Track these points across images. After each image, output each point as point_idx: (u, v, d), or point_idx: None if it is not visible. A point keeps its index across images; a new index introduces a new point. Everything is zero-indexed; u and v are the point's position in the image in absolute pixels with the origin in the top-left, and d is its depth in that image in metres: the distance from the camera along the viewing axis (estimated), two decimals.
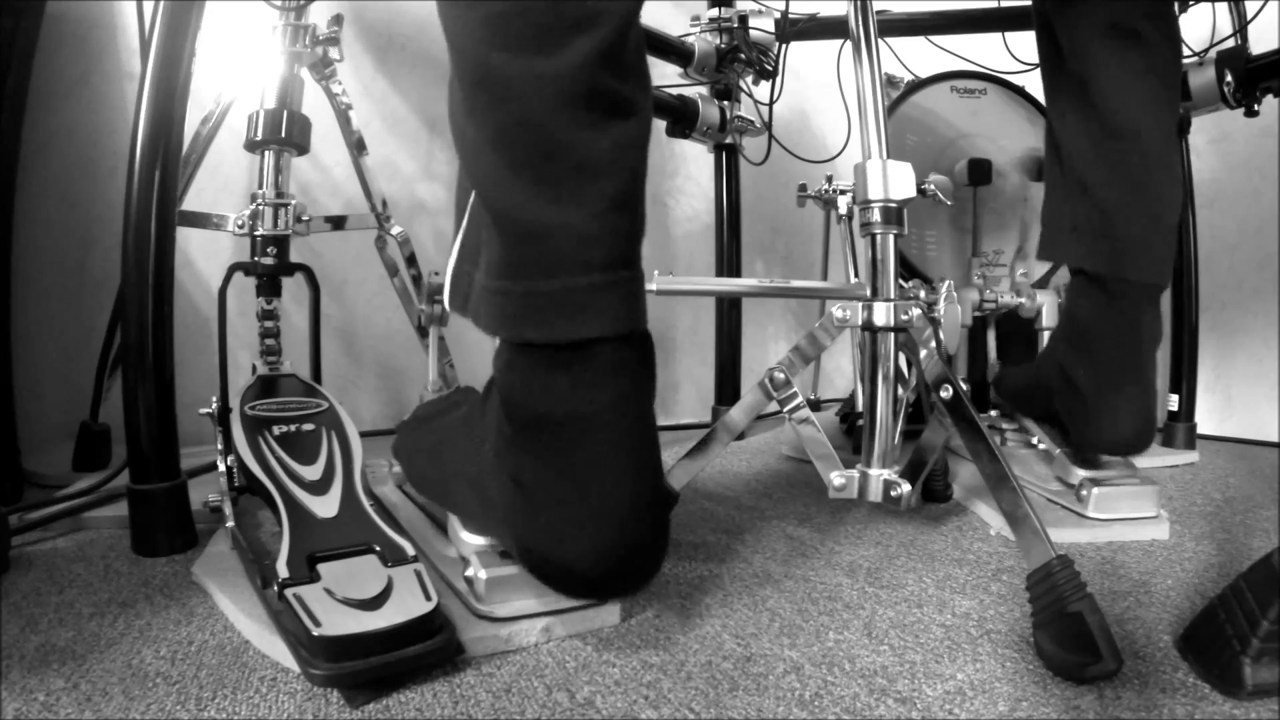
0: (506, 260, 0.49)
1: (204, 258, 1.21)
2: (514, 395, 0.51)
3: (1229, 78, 1.10)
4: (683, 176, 1.68)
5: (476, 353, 1.30)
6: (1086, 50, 0.79)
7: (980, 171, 1.26)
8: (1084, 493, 0.85)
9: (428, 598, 0.54)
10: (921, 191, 1.16)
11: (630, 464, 0.51)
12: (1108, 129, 0.79)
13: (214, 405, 0.78)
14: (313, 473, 0.71)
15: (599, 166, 0.47)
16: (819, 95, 1.68)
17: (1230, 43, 1.16)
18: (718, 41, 1.35)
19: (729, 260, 1.49)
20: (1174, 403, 1.27)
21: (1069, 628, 0.53)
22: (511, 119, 0.46)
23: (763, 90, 1.39)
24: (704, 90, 1.40)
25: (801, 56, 1.56)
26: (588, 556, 0.51)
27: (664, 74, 1.43)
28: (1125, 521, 0.83)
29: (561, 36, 0.45)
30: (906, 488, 0.72)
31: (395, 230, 1.14)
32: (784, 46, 1.38)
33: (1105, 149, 0.80)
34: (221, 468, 0.75)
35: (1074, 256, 0.84)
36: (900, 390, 0.75)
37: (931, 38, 1.48)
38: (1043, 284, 1.28)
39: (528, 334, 0.49)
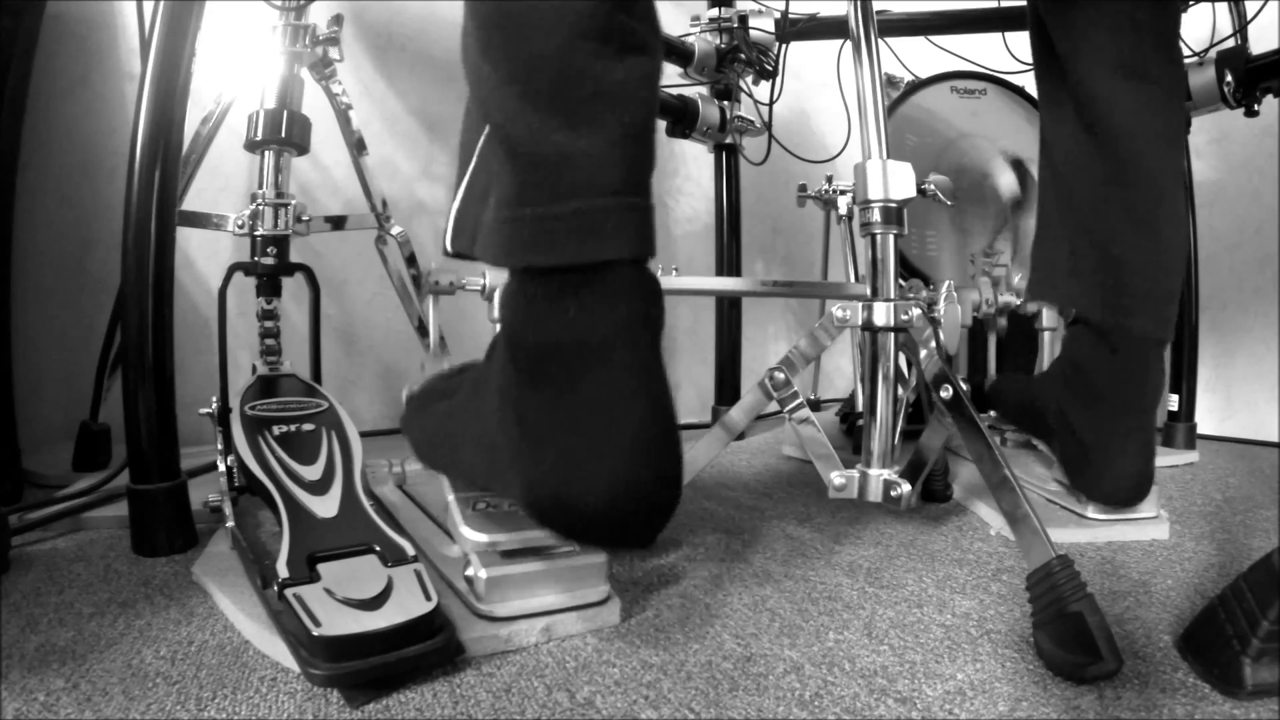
0: (521, 188, 0.48)
1: (204, 258, 1.22)
2: (519, 328, 0.49)
3: (1229, 78, 1.10)
4: (683, 176, 1.68)
5: (476, 352, 1.30)
6: (1092, 86, 0.77)
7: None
8: (1081, 495, 0.85)
9: (428, 598, 0.54)
10: (921, 191, 1.16)
11: (641, 393, 0.49)
12: (1116, 171, 0.76)
13: (214, 405, 0.78)
14: (313, 473, 0.71)
15: (615, 95, 0.47)
16: (819, 95, 1.68)
17: (1230, 43, 1.16)
18: (718, 41, 1.35)
19: (729, 260, 1.49)
20: (1174, 403, 1.27)
21: (1069, 628, 0.53)
22: (528, 53, 0.47)
23: (763, 90, 1.40)
24: (704, 90, 1.40)
25: (801, 56, 1.56)
26: (598, 494, 0.48)
27: (664, 74, 1.43)
28: (1125, 521, 0.83)
29: None
30: (906, 488, 0.72)
31: (395, 230, 1.14)
32: (784, 46, 1.38)
33: (1113, 193, 0.77)
34: (221, 468, 0.75)
35: (1075, 303, 0.81)
36: (900, 390, 0.75)
37: (931, 38, 1.48)
38: None
39: (538, 259, 0.48)
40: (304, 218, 0.97)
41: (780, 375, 0.77)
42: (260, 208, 0.94)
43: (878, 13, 0.77)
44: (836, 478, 0.74)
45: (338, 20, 1.02)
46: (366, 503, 0.68)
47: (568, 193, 0.47)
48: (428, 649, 0.51)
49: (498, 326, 0.74)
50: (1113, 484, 0.80)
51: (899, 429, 0.76)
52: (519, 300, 0.50)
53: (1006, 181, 1.35)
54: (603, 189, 0.47)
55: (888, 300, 0.74)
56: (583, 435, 0.48)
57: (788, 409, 0.77)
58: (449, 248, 0.60)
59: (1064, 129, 0.82)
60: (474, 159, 0.58)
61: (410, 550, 0.60)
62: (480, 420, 0.55)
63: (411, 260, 1.16)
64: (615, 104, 0.47)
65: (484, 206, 0.54)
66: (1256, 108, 1.12)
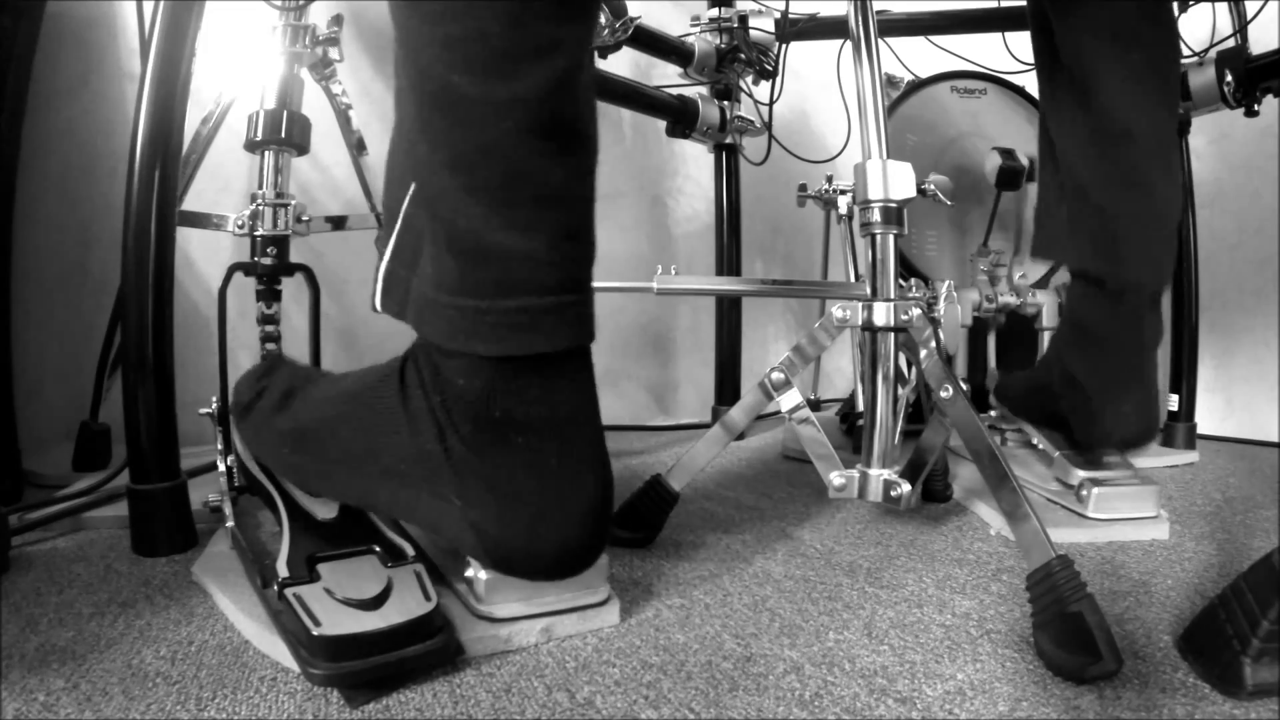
0: (460, 278, 0.51)
1: (204, 258, 1.21)
2: (473, 398, 0.53)
3: (1229, 78, 1.10)
4: (683, 176, 1.68)
5: None
6: (1085, 52, 0.79)
7: (1010, 177, 1.24)
8: (1084, 493, 0.85)
9: (427, 598, 0.54)
10: (921, 191, 1.16)
11: (596, 461, 0.56)
12: (1107, 130, 0.79)
13: (214, 405, 0.78)
14: None
15: (556, 196, 0.50)
16: (819, 95, 1.68)
17: (1230, 43, 1.16)
18: (718, 41, 1.35)
19: (729, 260, 1.49)
20: (1174, 403, 1.27)
21: (1069, 628, 0.53)
22: (471, 143, 0.48)
23: (763, 90, 1.40)
24: (704, 90, 1.40)
25: (801, 56, 1.56)
26: (558, 546, 0.54)
27: (664, 74, 1.43)
28: (1125, 521, 0.83)
29: (522, 63, 0.46)
30: (906, 488, 0.72)
31: None
32: (784, 46, 1.38)
33: (1105, 150, 0.80)
34: (221, 468, 0.75)
35: (1073, 258, 0.85)
36: (900, 390, 0.75)
37: (931, 38, 1.48)
38: (1043, 284, 1.29)
39: (482, 349, 0.51)
40: (304, 218, 0.97)
41: (780, 375, 0.77)
42: (260, 208, 0.94)
43: (878, 13, 0.77)
44: (836, 478, 0.74)
45: (338, 20, 1.02)
46: None
47: (510, 291, 0.50)
48: (427, 649, 0.51)
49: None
50: (1119, 428, 0.83)
51: (899, 429, 0.76)
52: (472, 376, 0.52)
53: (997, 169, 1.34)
54: (544, 289, 0.50)
55: (888, 300, 0.74)
56: (551, 501, 0.53)
57: (788, 409, 0.77)
58: (378, 307, 0.62)
59: (1058, 97, 0.85)
60: (399, 221, 0.58)
61: (410, 550, 0.60)
62: (403, 459, 0.56)
63: None
64: (556, 205, 0.50)
65: (412, 274, 0.57)
66: (1256, 108, 1.12)
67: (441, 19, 0.46)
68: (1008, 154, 1.24)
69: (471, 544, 0.55)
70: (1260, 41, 1.14)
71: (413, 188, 0.56)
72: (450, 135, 0.48)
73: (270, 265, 0.94)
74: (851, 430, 1.23)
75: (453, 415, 0.54)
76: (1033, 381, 0.98)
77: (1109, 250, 0.81)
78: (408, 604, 0.53)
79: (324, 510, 0.67)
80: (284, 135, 0.95)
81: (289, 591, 0.53)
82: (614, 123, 1.59)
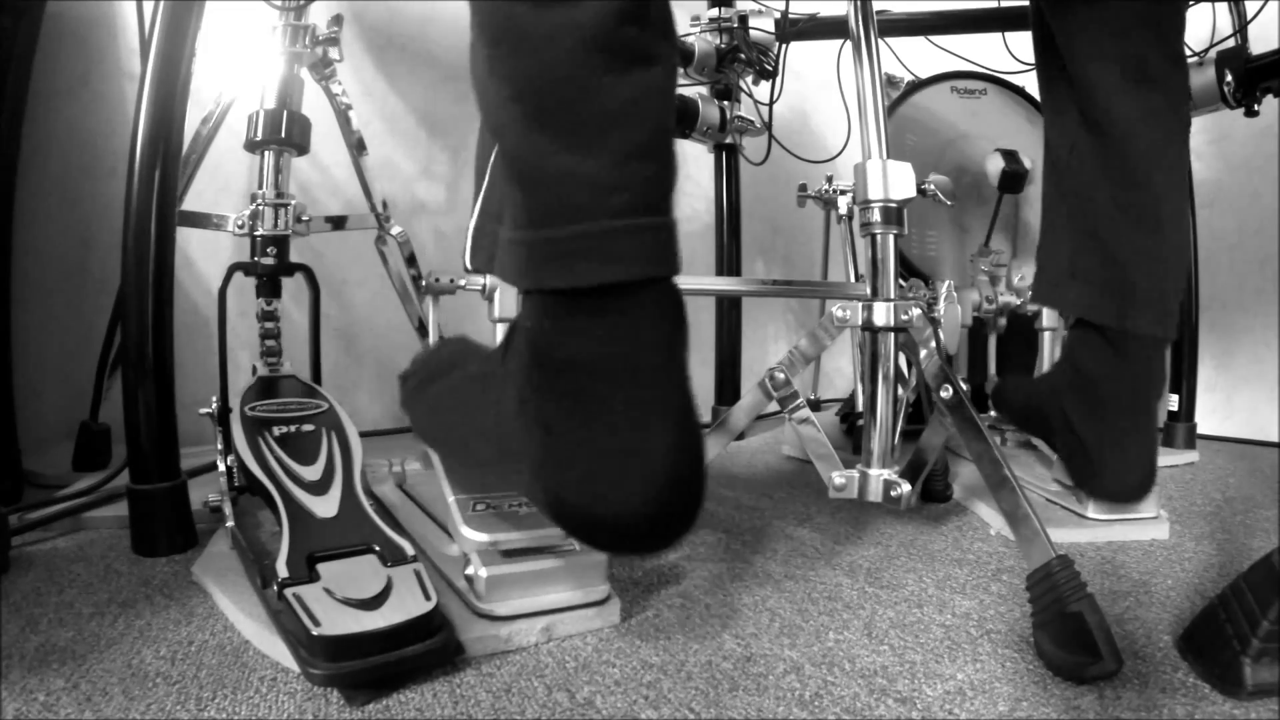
0: (527, 210, 0.48)
1: (204, 258, 1.22)
2: (542, 340, 0.49)
3: (1229, 78, 1.10)
4: (683, 176, 1.65)
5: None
6: (1096, 89, 0.76)
7: (1013, 180, 1.24)
8: (1084, 493, 0.85)
9: (427, 597, 0.54)
10: (921, 191, 1.16)
11: (666, 408, 0.49)
12: (1121, 173, 0.76)
13: (214, 405, 0.78)
14: (312, 473, 0.71)
15: (620, 114, 0.47)
16: (819, 95, 1.68)
17: (1230, 43, 1.15)
18: (718, 41, 1.35)
19: (729, 260, 1.49)
20: (1174, 403, 1.27)
21: (1069, 628, 0.53)
22: (532, 69, 0.46)
23: (763, 90, 1.39)
24: (704, 90, 1.40)
25: (801, 56, 1.56)
26: (625, 507, 0.48)
27: None
28: (1125, 521, 0.83)
29: None
30: (906, 488, 0.72)
31: (395, 230, 1.14)
32: (784, 46, 1.38)
33: (1118, 195, 0.77)
34: (221, 468, 0.75)
35: (1078, 306, 0.81)
36: (900, 390, 0.75)
37: (931, 38, 1.48)
38: None
39: (549, 281, 0.48)
40: (304, 218, 0.97)
41: (780, 375, 0.77)
42: (260, 208, 0.94)
43: (878, 13, 0.77)
44: (836, 478, 0.74)
45: (338, 20, 1.02)
46: (366, 503, 0.68)
47: (573, 215, 0.46)
48: (427, 649, 0.51)
49: (499, 327, 0.74)
50: (1115, 482, 0.80)
51: (899, 429, 0.76)
52: (539, 316, 0.49)
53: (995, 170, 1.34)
54: (611, 211, 0.46)
55: (888, 300, 0.74)
56: (610, 447, 0.48)
57: (788, 409, 0.77)
58: (468, 264, 0.61)
59: (1067, 130, 0.82)
60: (487, 178, 0.58)
61: (410, 550, 0.60)
62: (490, 413, 0.55)
63: (411, 260, 1.16)
64: (620, 123, 0.47)
65: (499, 224, 0.54)
66: (1256, 108, 1.12)
67: None
68: (1010, 156, 1.24)
69: (541, 503, 0.51)
70: (1260, 41, 1.14)
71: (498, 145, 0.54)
72: (512, 66, 0.47)
73: (270, 265, 0.94)
74: (851, 430, 1.23)
75: (524, 361, 0.51)
76: (1031, 401, 0.95)
77: (1117, 299, 0.77)
78: (407, 603, 0.53)
79: (324, 509, 0.67)
80: (284, 135, 0.95)
81: (289, 591, 0.53)
82: None
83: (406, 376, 0.70)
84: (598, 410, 0.48)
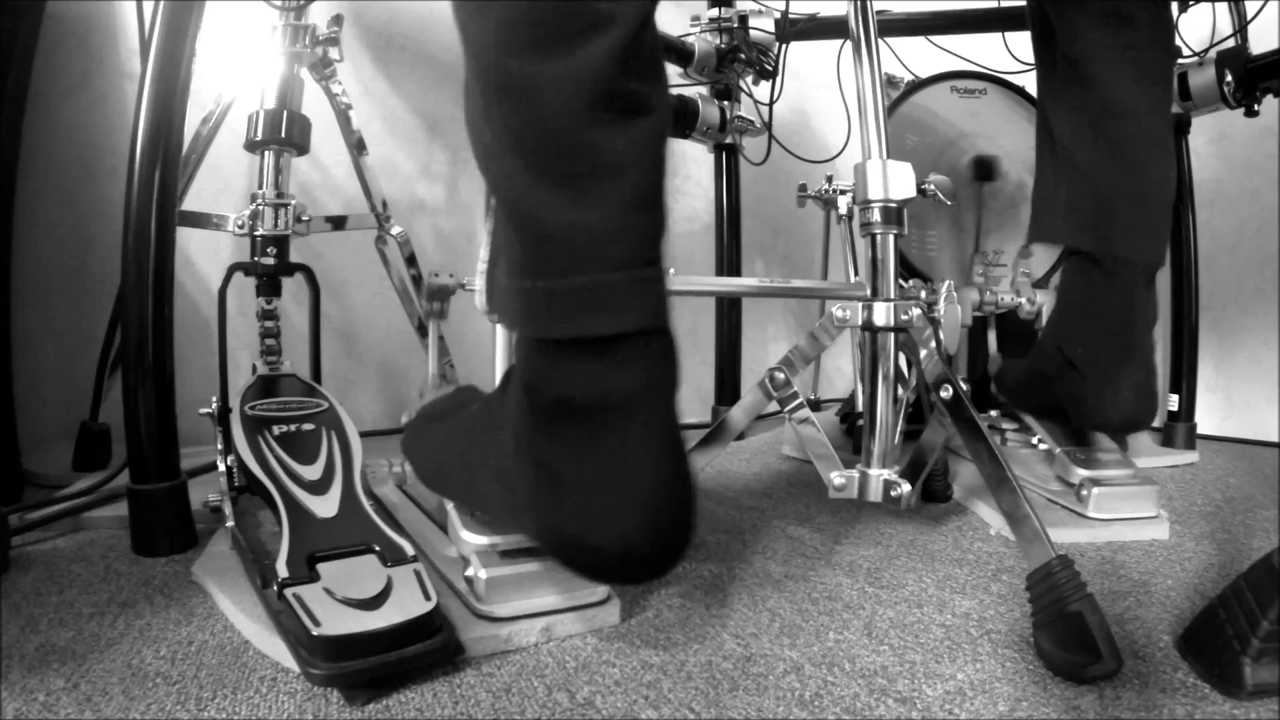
0: (525, 260, 0.49)
1: (204, 258, 1.21)
2: (538, 381, 0.51)
3: (1229, 78, 1.10)
4: (683, 176, 1.68)
5: (476, 353, 1.30)
6: (1080, 33, 0.80)
7: (985, 168, 1.26)
8: (1084, 493, 0.85)
9: (427, 597, 0.54)
10: (921, 191, 1.16)
11: (658, 448, 0.51)
12: (1102, 109, 0.80)
13: (214, 405, 0.78)
14: (313, 473, 0.71)
15: (617, 165, 0.47)
16: (819, 95, 1.68)
17: (1230, 43, 1.16)
18: (718, 41, 1.35)
19: (729, 260, 1.49)
20: (1174, 403, 1.27)
21: (1069, 628, 0.53)
22: (529, 121, 0.47)
23: (763, 90, 1.39)
24: (704, 90, 1.40)
25: (801, 56, 1.56)
26: (618, 539, 0.50)
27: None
28: (1125, 521, 0.83)
29: (577, 38, 0.45)
30: (906, 488, 0.72)
31: (395, 230, 1.14)
32: (784, 46, 1.38)
33: (1100, 129, 0.80)
34: (221, 468, 0.75)
35: (1067, 236, 0.85)
36: (900, 390, 0.75)
37: (931, 38, 1.48)
38: (1043, 284, 1.28)
39: (549, 331, 0.49)
40: (304, 218, 0.97)
41: (780, 375, 0.77)
42: (260, 208, 0.94)
43: (878, 13, 0.77)
44: (836, 478, 0.74)
45: (338, 20, 1.02)
46: (366, 503, 0.68)
47: (575, 268, 0.47)
48: (427, 649, 0.51)
49: (500, 328, 0.74)
50: (1117, 409, 0.82)
51: (899, 429, 0.76)
52: (536, 360, 0.51)
53: (1008, 181, 1.35)
54: (610, 263, 0.47)
55: (888, 300, 0.74)
56: (603, 487, 0.50)
57: (788, 409, 0.77)
58: (483, 309, 0.62)
59: (1056, 84, 0.85)
60: (491, 217, 0.59)
61: (410, 550, 0.60)
62: (493, 455, 0.56)
63: (411, 260, 1.16)
64: (618, 175, 0.47)
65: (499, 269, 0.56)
66: (1256, 108, 1.12)
67: (492, 3, 0.46)
68: (979, 158, 1.29)
69: (537, 537, 0.53)
70: (1260, 41, 1.14)
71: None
72: (509, 117, 0.47)
73: (270, 265, 0.94)
74: (851, 430, 1.23)
75: (521, 401, 0.52)
76: (1029, 368, 0.98)
77: (1103, 225, 0.81)
78: (407, 603, 0.53)
79: (324, 509, 0.67)
80: (284, 135, 0.95)
81: (289, 591, 0.53)
82: None
83: (409, 424, 0.72)
84: (592, 449, 0.50)
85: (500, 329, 0.75)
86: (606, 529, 0.50)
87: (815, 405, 1.54)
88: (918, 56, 1.50)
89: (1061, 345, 0.86)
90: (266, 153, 0.96)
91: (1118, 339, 0.81)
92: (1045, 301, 1.20)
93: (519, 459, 0.52)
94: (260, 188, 0.96)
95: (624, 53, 0.46)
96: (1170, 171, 0.82)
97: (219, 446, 0.77)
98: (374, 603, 0.53)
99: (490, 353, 0.76)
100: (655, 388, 0.51)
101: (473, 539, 0.61)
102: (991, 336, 1.26)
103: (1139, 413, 0.82)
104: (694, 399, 1.61)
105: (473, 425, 0.62)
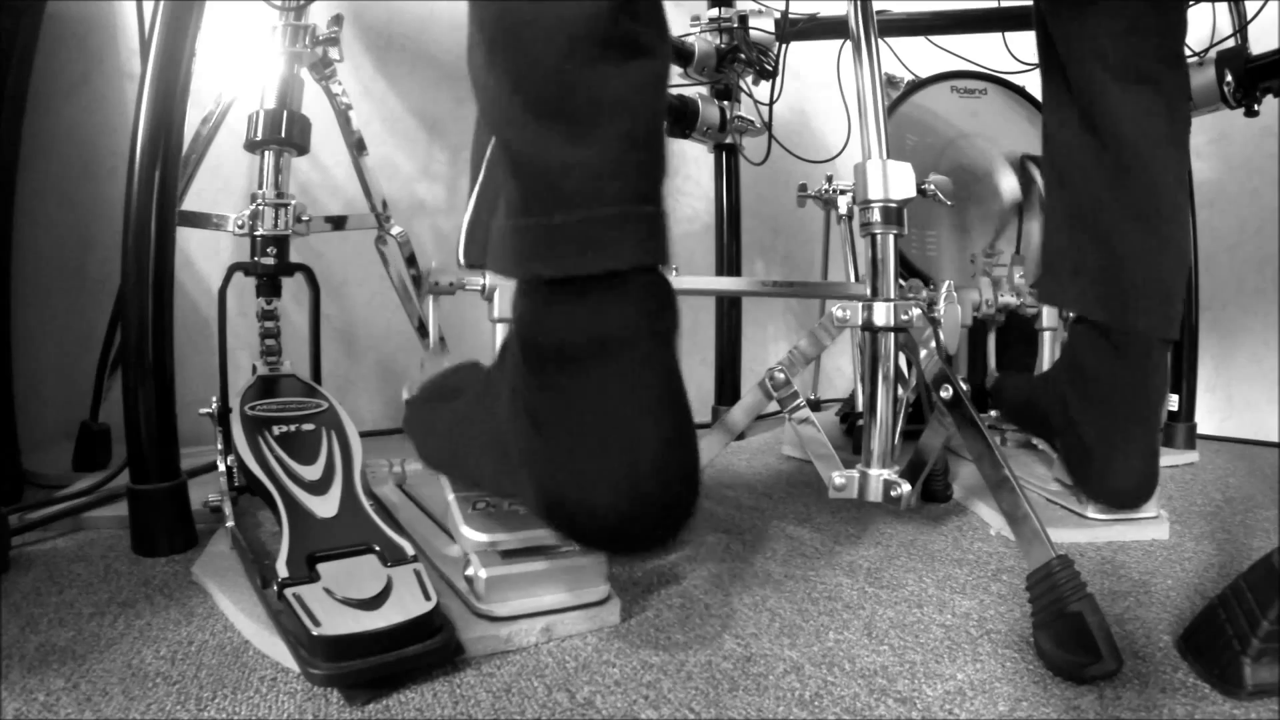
0: (525, 199, 0.48)
1: (204, 258, 1.22)
2: (529, 330, 0.49)
3: (1229, 78, 1.10)
4: (683, 176, 1.68)
5: (476, 353, 1.30)
6: (1097, 90, 0.77)
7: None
8: (1084, 495, 0.85)
9: (427, 597, 0.54)
10: (921, 191, 1.16)
11: (656, 396, 0.48)
12: (1122, 173, 0.76)
13: (214, 405, 0.78)
14: (312, 473, 0.71)
15: (615, 104, 0.47)
16: (819, 95, 1.68)
17: (1230, 43, 1.15)
18: (718, 41, 1.35)
19: (729, 260, 1.49)
20: (1174, 403, 1.27)
21: (1069, 628, 0.53)
22: (530, 61, 0.47)
23: (763, 90, 1.39)
24: (704, 90, 1.40)
25: (801, 56, 1.56)
26: (614, 499, 0.47)
27: None
28: (1125, 521, 0.83)
29: None
30: (906, 488, 0.72)
31: (395, 230, 1.14)
32: (784, 46, 1.38)
33: (1119, 194, 0.77)
34: (221, 468, 0.75)
35: (1080, 303, 0.81)
36: (900, 390, 0.75)
37: (931, 38, 1.48)
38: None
39: (543, 270, 0.48)
40: (304, 218, 0.97)
41: (780, 375, 0.77)
42: (260, 208, 0.94)
43: (878, 13, 0.77)
44: (836, 478, 0.74)
45: (338, 20, 1.02)
46: (366, 503, 0.68)
47: (570, 203, 0.47)
48: (427, 649, 0.51)
49: (499, 327, 0.74)
50: (1116, 485, 0.80)
51: (899, 429, 0.76)
52: (529, 304, 0.50)
53: (1008, 182, 1.35)
54: (606, 199, 0.47)
55: (888, 300, 0.74)
56: (596, 436, 0.48)
57: (788, 409, 0.77)
58: (462, 259, 0.61)
59: (1067, 130, 0.82)
60: (483, 170, 0.59)
61: (410, 550, 0.60)
62: (490, 422, 0.55)
63: (411, 260, 1.16)
64: (617, 112, 0.47)
65: (493, 216, 0.54)
66: (1256, 108, 1.12)
67: None
68: (1021, 165, 1.26)
69: (531, 501, 0.51)
70: (1260, 41, 1.14)
71: (494, 139, 0.54)
72: (511, 59, 0.48)
73: (270, 265, 0.94)
74: (851, 430, 1.23)
75: (515, 355, 0.50)
76: (1031, 399, 0.95)
77: (1120, 298, 0.77)
78: (407, 603, 0.53)
79: (324, 509, 0.67)
80: (284, 135, 0.95)
81: (289, 591, 0.53)
82: None
83: (410, 401, 0.71)
84: (587, 399, 0.48)
85: (500, 328, 0.75)
86: (603, 487, 0.47)
87: (815, 405, 1.54)
88: (918, 56, 1.50)
89: (1068, 409, 0.83)
90: (266, 153, 0.96)
91: (1128, 416, 0.78)
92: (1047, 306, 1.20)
93: (514, 417, 0.51)
94: (260, 188, 0.96)
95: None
96: (1188, 239, 0.79)
97: (219, 446, 0.77)
98: (374, 603, 0.53)
99: (490, 353, 0.76)
100: (652, 330, 0.49)
101: (474, 536, 0.61)
102: (991, 344, 1.26)
103: (1138, 492, 0.80)
104: (694, 399, 1.61)
105: (472, 400, 0.61)
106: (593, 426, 0.48)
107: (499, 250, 0.51)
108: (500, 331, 0.76)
